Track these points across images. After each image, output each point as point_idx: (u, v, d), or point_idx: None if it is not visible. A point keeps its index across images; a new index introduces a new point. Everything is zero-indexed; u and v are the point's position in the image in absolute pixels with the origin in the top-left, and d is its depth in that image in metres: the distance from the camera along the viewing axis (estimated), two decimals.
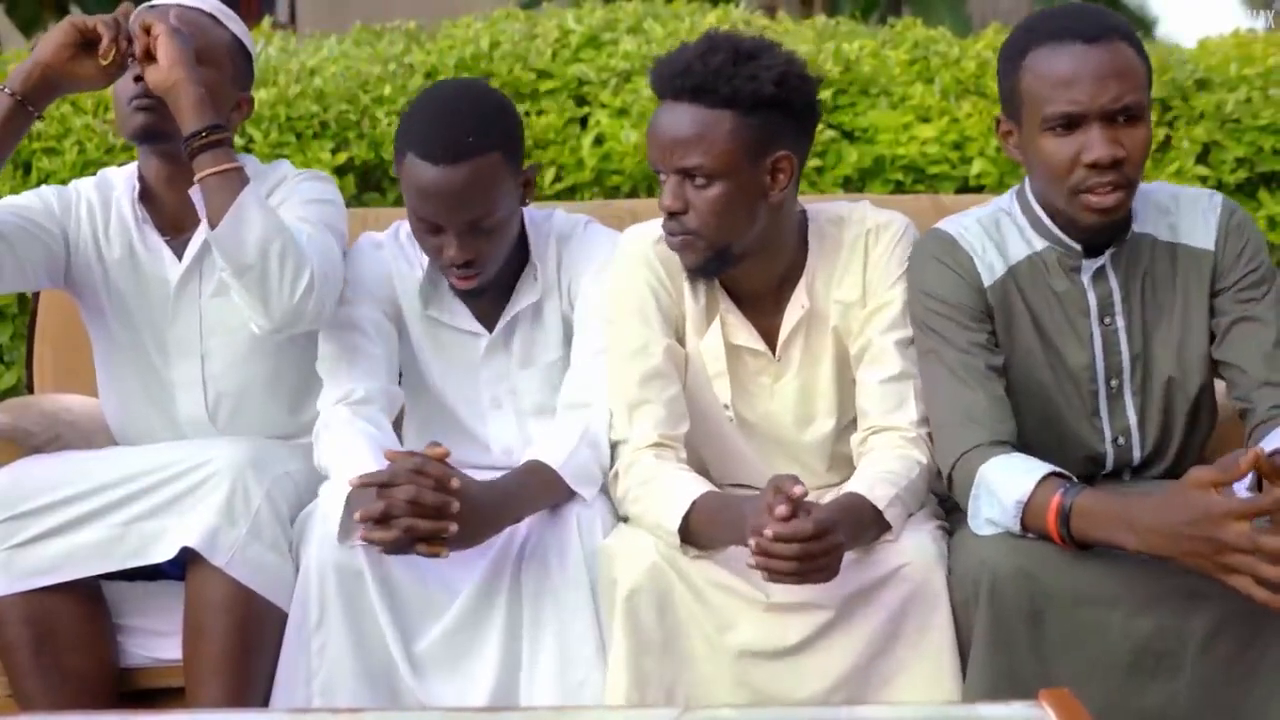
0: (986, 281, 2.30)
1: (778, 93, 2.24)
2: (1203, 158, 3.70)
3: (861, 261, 2.37)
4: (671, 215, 2.26)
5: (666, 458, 2.31)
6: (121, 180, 2.61)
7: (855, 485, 2.23)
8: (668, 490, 2.24)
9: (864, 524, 2.19)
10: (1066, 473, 2.13)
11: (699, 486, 2.23)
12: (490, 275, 2.43)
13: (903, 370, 2.32)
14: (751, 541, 2.05)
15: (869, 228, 2.39)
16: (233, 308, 2.46)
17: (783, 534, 2.02)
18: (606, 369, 2.40)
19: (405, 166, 2.37)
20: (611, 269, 2.43)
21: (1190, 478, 1.98)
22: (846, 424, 2.41)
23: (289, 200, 2.52)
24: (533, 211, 2.58)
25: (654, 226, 2.41)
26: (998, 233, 2.32)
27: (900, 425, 2.30)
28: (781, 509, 2.03)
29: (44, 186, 2.63)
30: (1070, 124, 2.17)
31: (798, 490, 2.06)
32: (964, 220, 2.35)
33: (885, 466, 2.25)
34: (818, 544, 2.04)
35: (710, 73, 2.22)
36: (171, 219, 2.55)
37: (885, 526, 2.20)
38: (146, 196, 2.57)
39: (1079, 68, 2.15)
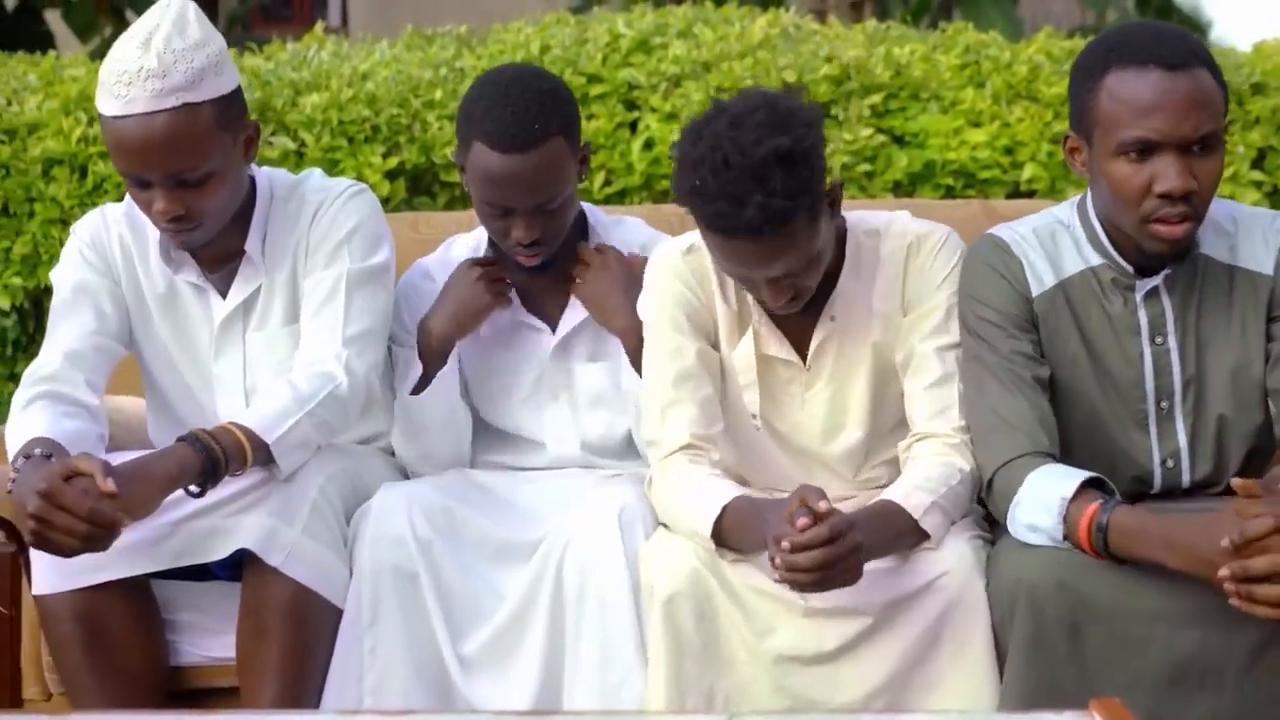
0: (1035, 291, 2.27)
1: (823, 163, 2.21)
2: (1258, 163, 3.67)
3: (900, 274, 2.36)
4: (782, 300, 2.24)
5: (699, 461, 2.31)
6: None
7: (891, 493, 2.22)
8: (699, 495, 2.23)
9: (898, 531, 2.17)
10: (1108, 481, 2.11)
11: (729, 491, 2.23)
12: (553, 249, 2.47)
13: (944, 375, 2.30)
14: (775, 558, 2.04)
15: (909, 240, 2.36)
16: (277, 341, 2.48)
17: (799, 543, 2.01)
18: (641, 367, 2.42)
19: (473, 154, 2.40)
20: (644, 281, 2.44)
21: (1237, 504, 1.97)
22: (880, 436, 2.40)
23: (332, 258, 2.45)
24: (601, 216, 2.62)
25: (684, 239, 2.42)
26: (1053, 244, 2.29)
27: (944, 431, 2.28)
28: (803, 520, 2.03)
29: (75, 246, 2.50)
30: (1145, 151, 2.12)
31: (822, 505, 2.05)
32: (1019, 228, 2.33)
33: (924, 474, 2.23)
34: (835, 548, 2.02)
35: (786, 200, 2.13)
36: (210, 255, 2.49)
37: (923, 535, 2.19)
38: None
39: (1160, 96, 2.10)
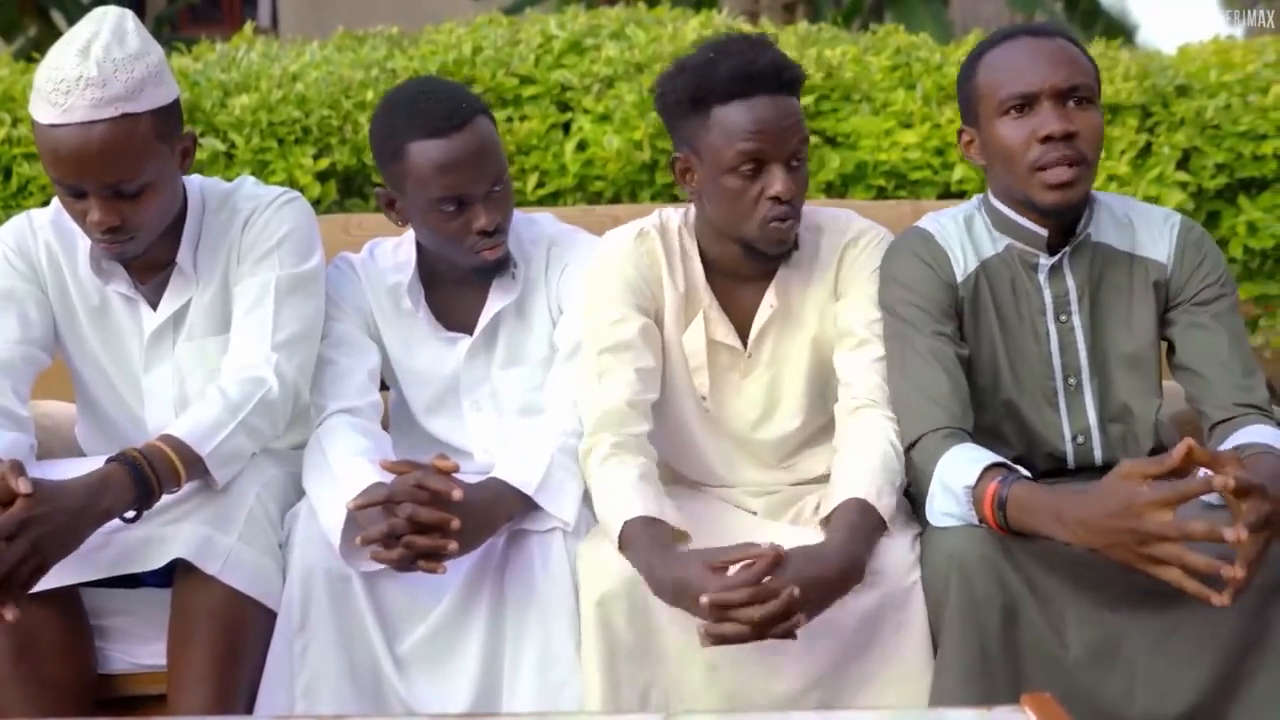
0: (959, 278, 2.37)
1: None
2: (1183, 163, 3.72)
3: (835, 267, 2.44)
4: (785, 201, 2.31)
5: (626, 447, 2.30)
6: None
7: (858, 489, 2.21)
8: (611, 499, 2.25)
9: (876, 530, 2.20)
10: (1011, 464, 2.15)
11: (637, 505, 2.21)
12: (505, 240, 2.47)
13: (884, 355, 2.38)
14: (706, 600, 2.03)
15: (849, 237, 2.45)
16: (208, 350, 2.46)
17: (721, 600, 2.01)
18: (582, 344, 2.42)
19: (413, 155, 2.38)
20: (593, 265, 2.46)
21: (1119, 469, 1.99)
22: (813, 427, 2.46)
23: (262, 264, 2.44)
24: (515, 214, 2.60)
25: (634, 226, 2.47)
26: (970, 230, 2.40)
27: (884, 402, 2.34)
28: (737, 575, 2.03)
29: (0, 250, 2.46)
30: (1024, 105, 2.26)
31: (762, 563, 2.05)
32: (941, 218, 2.43)
33: (878, 466, 2.24)
34: (768, 607, 2.02)
35: (794, 65, 2.31)
36: (141, 265, 2.46)
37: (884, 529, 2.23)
38: None
39: (1029, 54, 2.28)
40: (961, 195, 3.63)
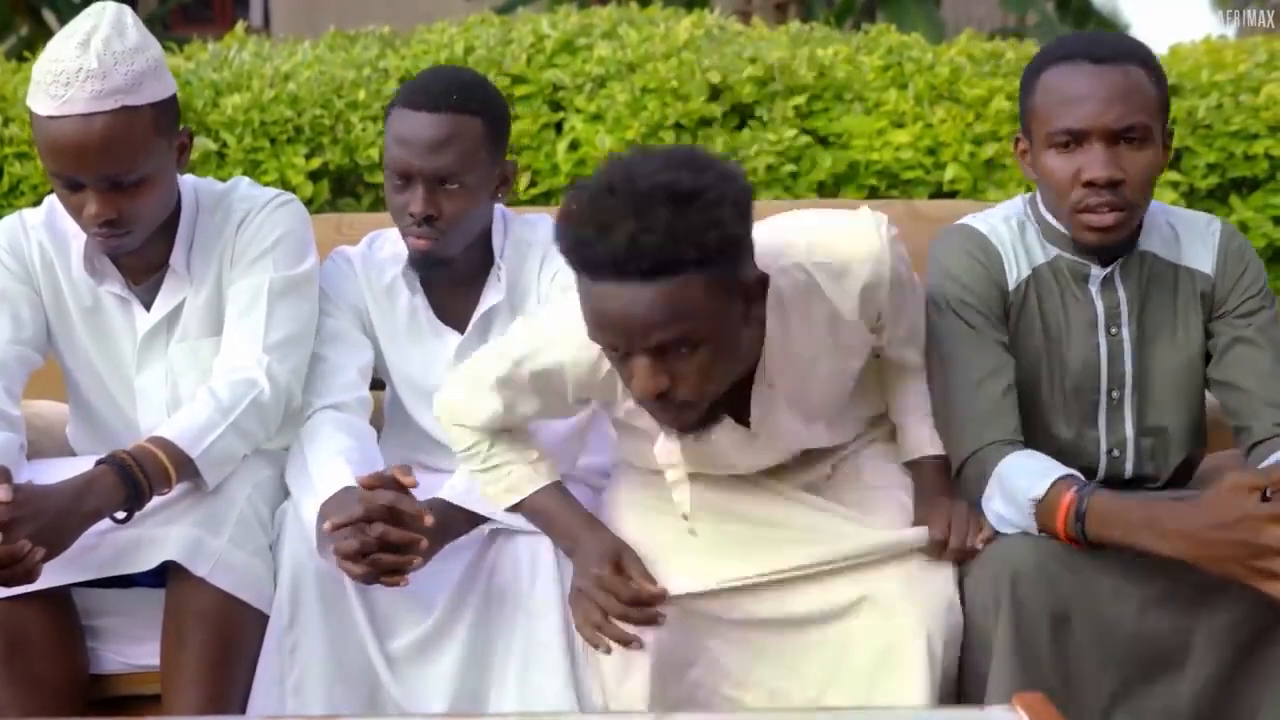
0: (1011, 284, 2.32)
1: (738, 230, 1.85)
2: (1174, 163, 3.72)
3: (858, 300, 2.07)
4: (660, 395, 1.87)
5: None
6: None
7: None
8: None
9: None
10: (1078, 475, 2.14)
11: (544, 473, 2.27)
12: (449, 248, 2.44)
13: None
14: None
15: (820, 284, 2.05)
16: (201, 351, 2.46)
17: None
18: None
19: (390, 119, 2.43)
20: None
21: (1228, 483, 1.99)
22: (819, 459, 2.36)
23: (255, 266, 2.44)
24: (511, 215, 2.59)
25: None
26: (1022, 235, 2.34)
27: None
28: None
29: None
30: (1073, 141, 2.18)
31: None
32: (991, 219, 2.37)
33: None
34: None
35: (666, 241, 1.76)
36: (135, 266, 2.46)
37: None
38: None
39: (1085, 86, 2.17)
40: (953, 195, 3.64)
